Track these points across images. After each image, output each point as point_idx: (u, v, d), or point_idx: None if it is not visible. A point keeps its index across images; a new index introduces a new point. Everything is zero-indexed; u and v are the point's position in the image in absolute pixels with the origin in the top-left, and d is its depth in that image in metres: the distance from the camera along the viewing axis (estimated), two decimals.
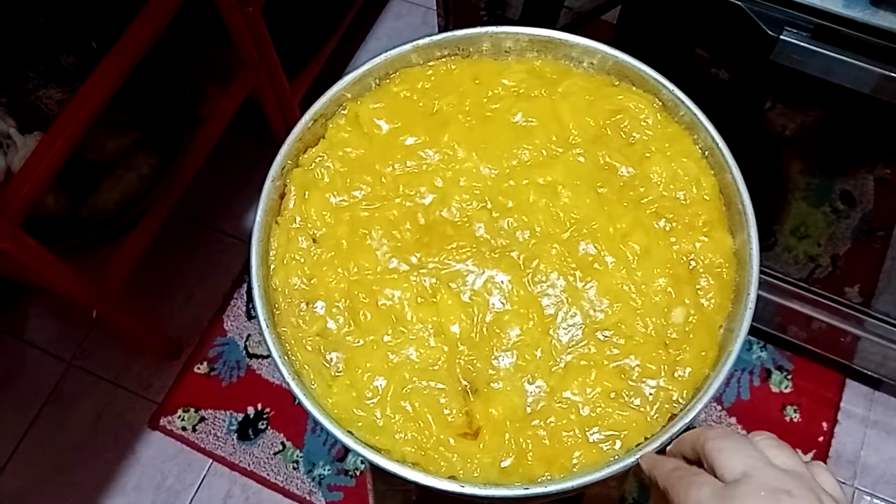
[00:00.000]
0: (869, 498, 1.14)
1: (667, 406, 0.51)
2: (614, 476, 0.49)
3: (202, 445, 1.21)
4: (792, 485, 0.37)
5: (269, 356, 1.27)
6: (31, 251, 0.88)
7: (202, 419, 1.23)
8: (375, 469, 0.77)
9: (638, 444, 0.50)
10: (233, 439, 1.21)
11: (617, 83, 0.62)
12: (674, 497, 0.40)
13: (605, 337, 0.54)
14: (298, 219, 0.58)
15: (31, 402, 1.26)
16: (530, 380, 0.53)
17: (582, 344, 0.53)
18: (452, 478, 0.49)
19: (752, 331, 1.24)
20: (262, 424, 1.22)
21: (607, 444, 0.50)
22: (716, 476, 0.39)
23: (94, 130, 0.90)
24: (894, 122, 0.74)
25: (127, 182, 1.09)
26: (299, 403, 0.51)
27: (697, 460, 0.42)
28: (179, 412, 1.24)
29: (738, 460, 0.39)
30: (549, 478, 0.49)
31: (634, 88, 0.61)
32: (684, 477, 0.40)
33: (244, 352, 1.28)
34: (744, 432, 0.44)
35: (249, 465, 1.20)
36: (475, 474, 0.50)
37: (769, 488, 0.37)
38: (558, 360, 0.53)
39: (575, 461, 0.50)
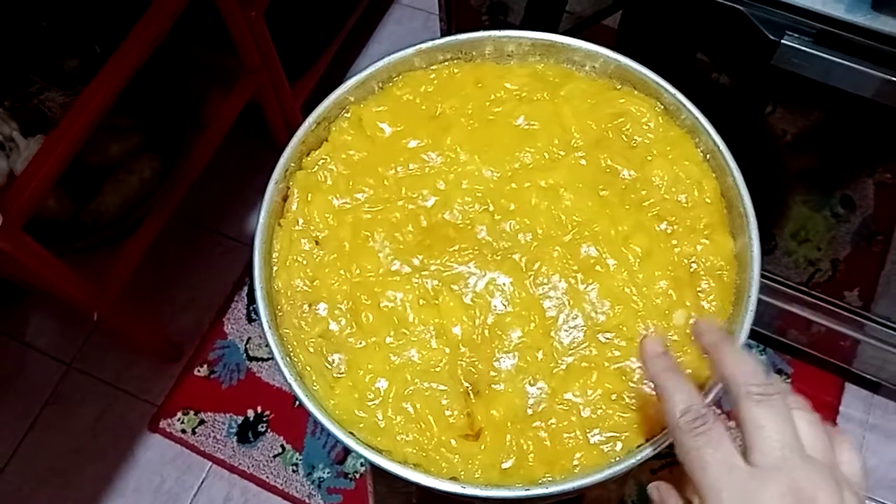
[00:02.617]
0: (868, 502, 1.14)
1: None
2: (614, 478, 0.50)
3: (202, 448, 1.21)
4: (820, 486, 0.35)
5: (269, 359, 1.27)
6: (34, 254, 0.88)
7: (202, 422, 1.23)
8: (376, 471, 0.77)
9: (638, 446, 0.50)
10: (232, 442, 1.22)
11: (619, 87, 0.62)
12: (689, 465, 0.36)
13: (607, 339, 0.54)
14: (301, 221, 0.59)
15: (31, 404, 1.26)
16: (531, 381, 0.53)
17: (583, 346, 0.53)
18: (454, 479, 0.49)
19: (752, 334, 1.24)
20: (262, 427, 1.22)
21: (608, 445, 0.50)
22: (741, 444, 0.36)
23: (96, 134, 0.91)
24: (895, 126, 0.74)
25: (129, 185, 1.10)
26: (301, 405, 0.51)
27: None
28: (179, 415, 1.24)
29: (774, 446, 0.35)
30: (549, 479, 0.49)
31: (636, 92, 0.62)
32: (703, 436, 0.36)
33: (244, 354, 1.28)
34: (785, 388, 0.38)
35: (249, 467, 1.20)
36: (476, 475, 0.50)
37: (796, 490, 0.35)
38: (559, 361, 0.53)
39: (576, 462, 0.50)
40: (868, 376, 1.15)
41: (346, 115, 0.62)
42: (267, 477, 1.19)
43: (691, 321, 0.46)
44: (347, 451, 1.20)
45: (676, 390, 0.40)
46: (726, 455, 0.36)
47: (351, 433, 0.51)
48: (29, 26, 1.12)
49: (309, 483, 1.18)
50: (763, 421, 0.36)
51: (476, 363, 0.53)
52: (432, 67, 0.64)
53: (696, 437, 0.36)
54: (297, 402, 1.22)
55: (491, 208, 0.58)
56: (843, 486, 0.36)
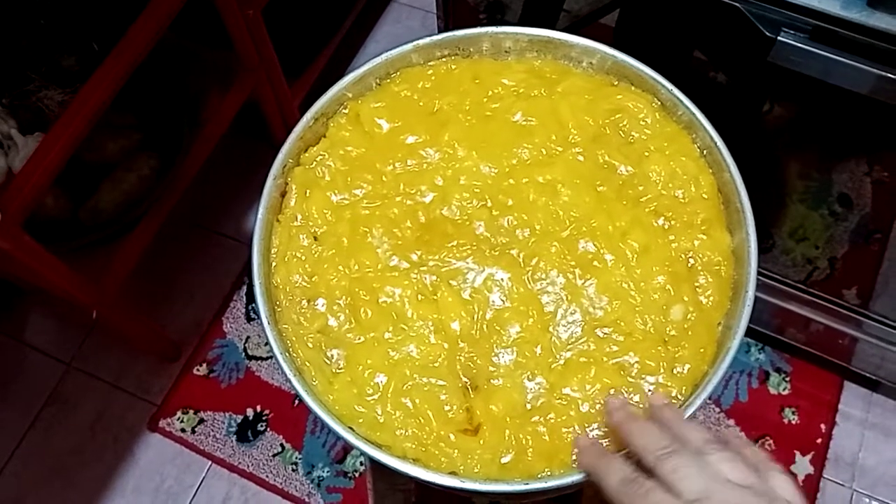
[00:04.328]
0: (867, 500, 1.14)
1: None
2: None
3: (201, 447, 1.21)
4: (750, 500, 0.38)
5: (268, 358, 1.27)
6: (32, 252, 0.88)
7: (201, 421, 1.23)
8: (376, 468, 0.77)
9: None
10: (232, 441, 1.21)
11: (616, 83, 0.62)
12: None
13: (605, 334, 0.54)
14: (300, 217, 0.59)
15: (31, 403, 1.26)
16: (530, 376, 0.53)
17: (581, 341, 0.54)
18: (453, 473, 0.50)
19: (751, 333, 1.25)
20: (262, 426, 1.22)
21: (607, 440, 0.51)
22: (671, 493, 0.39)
23: (94, 132, 0.91)
24: (891, 124, 0.75)
25: (127, 183, 1.10)
26: (300, 400, 0.51)
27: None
28: (178, 414, 1.24)
29: (695, 482, 0.39)
30: (548, 473, 0.50)
31: (633, 88, 0.62)
32: (639, 494, 0.40)
33: (243, 353, 1.28)
34: (708, 437, 0.42)
35: (248, 466, 1.20)
36: (475, 470, 0.50)
37: None
38: (558, 356, 0.53)
39: (575, 457, 0.50)
40: (867, 374, 1.15)
41: (343, 111, 0.62)
42: (266, 476, 1.19)
43: (606, 398, 0.49)
44: (347, 449, 1.20)
45: (609, 468, 0.43)
46: (662, 499, 0.39)
47: (350, 428, 0.51)
48: (27, 24, 1.12)
49: (308, 482, 1.18)
50: (675, 466, 0.39)
51: (475, 358, 0.54)
52: (430, 64, 0.64)
53: (634, 495, 0.40)
54: (297, 399, 1.22)
55: (489, 204, 0.58)
56: (778, 500, 0.38)
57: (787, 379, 1.21)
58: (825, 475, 1.15)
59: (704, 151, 0.59)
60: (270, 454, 1.20)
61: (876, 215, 0.95)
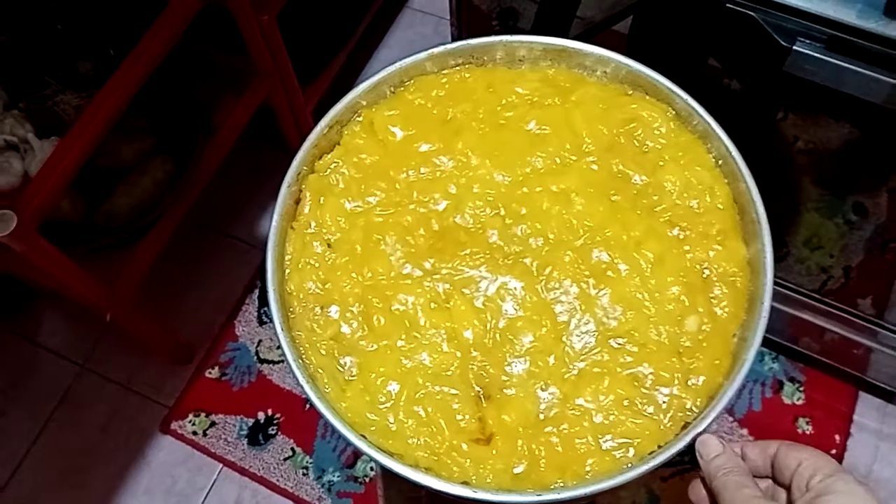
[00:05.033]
0: None
1: (680, 414, 0.51)
2: (626, 485, 0.49)
3: (212, 450, 1.22)
4: None
5: (280, 361, 1.27)
6: (47, 254, 0.89)
7: (213, 424, 1.24)
8: (387, 476, 0.77)
9: (651, 453, 0.50)
10: (243, 444, 1.22)
11: (630, 92, 0.62)
12: None
13: (619, 344, 0.53)
14: (313, 224, 0.59)
15: (44, 404, 1.27)
16: (543, 386, 0.53)
17: (595, 351, 0.53)
18: (465, 483, 0.49)
19: (765, 342, 1.23)
20: (273, 430, 1.23)
21: (620, 451, 0.50)
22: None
23: (110, 136, 0.91)
24: None
25: (142, 187, 1.10)
26: (313, 407, 0.51)
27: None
28: (190, 417, 1.24)
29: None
30: (561, 485, 0.49)
31: (648, 97, 0.62)
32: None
33: (255, 357, 1.29)
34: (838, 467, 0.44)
35: (259, 470, 1.20)
36: (488, 480, 0.50)
37: None
38: (571, 367, 0.53)
39: (588, 468, 0.50)
40: (882, 385, 1.14)
41: (358, 118, 0.62)
42: (277, 480, 1.19)
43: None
44: (357, 454, 1.20)
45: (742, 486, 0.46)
46: None
47: (362, 436, 0.51)
48: (44, 29, 1.14)
49: (319, 486, 1.18)
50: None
51: (487, 367, 0.53)
52: (444, 72, 0.64)
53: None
54: (309, 405, 1.22)
55: (502, 212, 0.58)
56: None
57: (802, 389, 1.20)
58: None
59: (719, 161, 0.59)
60: (281, 458, 1.21)
61: (891, 224, 0.94)
